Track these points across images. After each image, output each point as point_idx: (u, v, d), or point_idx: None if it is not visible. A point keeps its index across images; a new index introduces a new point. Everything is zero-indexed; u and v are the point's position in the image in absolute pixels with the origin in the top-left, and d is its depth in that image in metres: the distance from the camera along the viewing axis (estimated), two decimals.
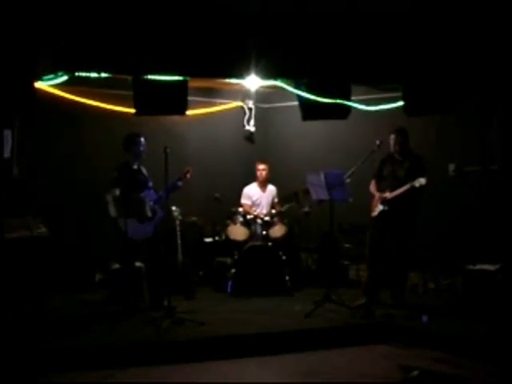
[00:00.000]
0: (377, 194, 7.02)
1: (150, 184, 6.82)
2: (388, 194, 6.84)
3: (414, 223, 6.81)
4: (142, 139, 6.85)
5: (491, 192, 7.24)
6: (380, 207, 6.91)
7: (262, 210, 8.43)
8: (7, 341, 5.37)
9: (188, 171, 6.91)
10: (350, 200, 6.87)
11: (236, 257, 7.81)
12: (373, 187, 7.14)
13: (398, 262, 6.89)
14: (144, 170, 6.92)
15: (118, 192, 6.42)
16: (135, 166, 6.87)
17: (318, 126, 8.39)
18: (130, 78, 6.51)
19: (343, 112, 6.98)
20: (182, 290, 7.48)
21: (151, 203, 6.57)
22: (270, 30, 6.46)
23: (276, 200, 8.62)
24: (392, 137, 6.94)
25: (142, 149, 6.83)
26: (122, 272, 6.89)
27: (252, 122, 9.53)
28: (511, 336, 5.69)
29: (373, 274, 7.02)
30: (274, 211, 8.31)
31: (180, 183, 6.84)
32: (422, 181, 6.47)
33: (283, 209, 8.26)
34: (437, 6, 6.29)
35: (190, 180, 6.96)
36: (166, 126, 8.30)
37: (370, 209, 7.06)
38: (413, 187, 6.54)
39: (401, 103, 7.02)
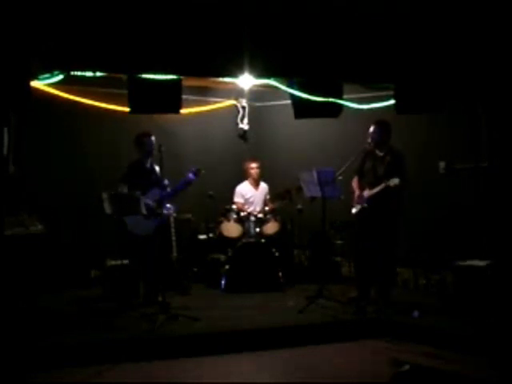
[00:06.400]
0: (357, 191, 7.00)
1: (166, 182, 6.82)
2: (366, 192, 6.83)
3: (396, 221, 6.75)
4: (152, 138, 6.96)
5: (481, 189, 7.32)
6: (359, 205, 6.92)
7: (256, 207, 8.50)
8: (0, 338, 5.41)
9: (199, 171, 6.90)
10: (342, 197, 6.95)
11: (229, 253, 7.87)
12: (355, 183, 7.10)
13: (382, 259, 6.79)
14: (157, 169, 6.96)
15: (125, 189, 6.55)
16: (148, 165, 6.99)
17: (310, 124, 8.45)
18: (124, 76, 6.59)
19: (335, 110, 7.02)
20: (176, 287, 7.55)
21: (151, 202, 6.62)
22: (263, 30, 6.49)
23: (268, 197, 8.70)
24: (371, 128, 6.86)
25: (150, 148, 6.93)
26: (124, 268, 6.95)
27: (245, 120, 9.57)
28: (501, 331, 5.77)
29: (359, 269, 7.04)
30: (266, 208, 8.40)
31: (192, 176, 6.85)
32: (395, 181, 6.43)
33: (275, 205, 8.34)
34: (427, 6, 6.36)
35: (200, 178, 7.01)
36: (161, 124, 8.33)
37: (351, 205, 7.07)
38: (387, 187, 6.51)
39: (392, 102, 7.08)
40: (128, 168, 6.87)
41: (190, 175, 6.86)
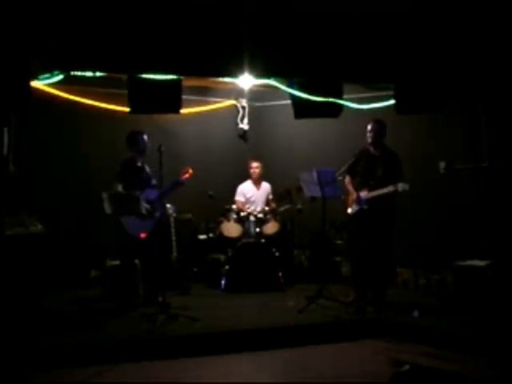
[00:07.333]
0: (354, 192, 6.91)
1: (153, 182, 6.86)
2: (367, 193, 6.75)
3: (393, 221, 6.72)
4: (145, 136, 6.95)
5: (481, 189, 7.32)
6: (358, 205, 6.85)
7: (257, 207, 8.50)
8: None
9: (187, 171, 6.97)
10: (342, 197, 6.95)
11: (229, 253, 7.88)
12: (348, 183, 7.03)
13: (382, 258, 6.79)
14: (148, 168, 6.99)
15: (120, 187, 6.54)
16: (139, 163, 6.97)
17: (310, 124, 8.45)
18: (124, 76, 6.60)
19: (335, 110, 7.03)
20: (176, 287, 7.56)
21: (146, 202, 6.62)
22: (263, 30, 6.50)
23: (271, 197, 8.69)
24: (370, 126, 6.83)
25: (144, 146, 6.91)
26: (118, 268, 6.95)
27: (245, 120, 9.57)
28: (501, 331, 5.77)
29: (356, 269, 7.02)
30: (267, 208, 8.39)
31: (182, 178, 6.93)
32: (406, 187, 6.39)
33: (281, 210, 8.33)
34: (427, 6, 6.36)
35: (189, 179, 7.02)
36: (161, 124, 8.34)
37: (346, 205, 7.03)
38: (396, 190, 6.46)
39: (392, 102, 7.08)
40: (123, 166, 6.83)
41: (182, 178, 6.92)
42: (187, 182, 6.99)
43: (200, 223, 8.69)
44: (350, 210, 6.97)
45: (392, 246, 6.76)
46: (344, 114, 7.12)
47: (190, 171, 6.97)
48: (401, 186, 6.43)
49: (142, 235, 6.59)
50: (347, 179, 7.06)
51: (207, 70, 6.75)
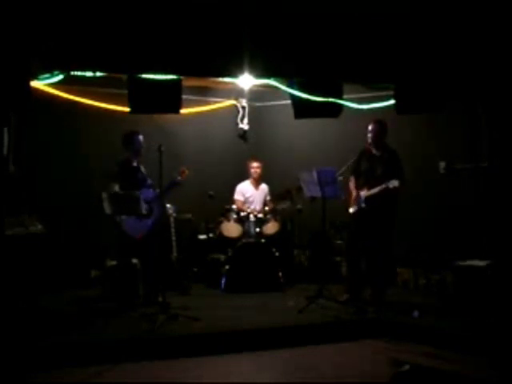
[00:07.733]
0: (354, 191, 6.98)
1: (149, 182, 6.90)
2: (365, 192, 6.81)
3: (393, 220, 6.74)
4: (140, 136, 6.97)
5: (481, 189, 7.33)
6: (357, 205, 6.90)
7: (256, 207, 8.50)
8: None
9: (183, 172, 6.97)
10: (343, 197, 6.95)
11: (229, 253, 7.88)
12: (352, 184, 7.07)
13: (382, 258, 6.83)
14: (143, 168, 7.01)
15: (117, 187, 6.55)
16: (135, 163, 6.97)
17: (310, 124, 8.45)
18: (124, 76, 6.60)
19: (335, 110, 7.02)
20: (176, 287, 7.56)
21: (145, 202, 6.62)
22: (263, 30, 6.50)
23: (268, 198, 8.69)
24: (370, 126, 6.90)
25: (139, 146, 6.93)
26: (117, 268, 6.96)
27: (245, 120, 9.57)
28: (501, 331, 5.77)
29: (352, 269, 7.05)
30: (266, 208, 8.39)
31: (179, 178, 6.92)
32: (395, 183, 6.45)
33: (278, 207, 8.33)
34: (427, 6, 6.36)
35: (184, 180, 7.02)
36: (161, 124, 8.35)
37: (348, 205, 7.05)
38: (387, 188, 6.52)
39: (392, 102, 7.08)
40: (119, 166, 6.86)
41: (178, 178, 6.92)
42: (183, 182, 6.99)
43: (200, 223, 8.69)
44: (351, 210, 6.99)
45: (392, 245, 6.78)
46: (344, 114, 7.11)
47: (186, 171, 6.97)
48: (391, 183, 6.49)
49: (139, 235, 6.60)
50: (352, 180, 7.10)
51: (207, 70, 6.75)
